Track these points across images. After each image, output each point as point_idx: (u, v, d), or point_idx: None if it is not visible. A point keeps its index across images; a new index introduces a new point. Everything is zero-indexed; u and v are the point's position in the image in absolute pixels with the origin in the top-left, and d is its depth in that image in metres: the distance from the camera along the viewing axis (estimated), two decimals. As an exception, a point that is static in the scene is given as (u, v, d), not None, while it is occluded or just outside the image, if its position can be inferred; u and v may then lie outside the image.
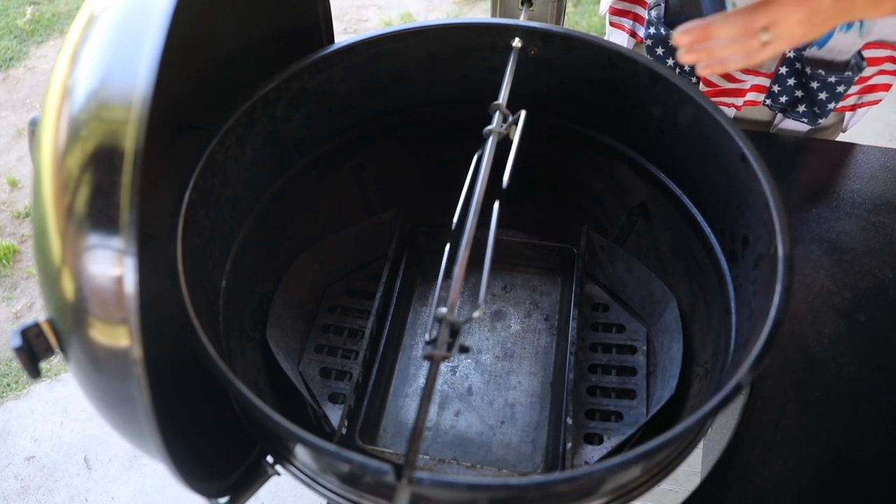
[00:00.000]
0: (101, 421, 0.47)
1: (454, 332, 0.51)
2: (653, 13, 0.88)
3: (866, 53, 0.81)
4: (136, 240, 0.37)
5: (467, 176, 0.60)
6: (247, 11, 0.69)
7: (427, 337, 0.53)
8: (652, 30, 0.89)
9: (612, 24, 0.98)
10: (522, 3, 1.01)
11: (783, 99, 0.88)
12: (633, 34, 0.95)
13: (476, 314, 0.53)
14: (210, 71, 0.67)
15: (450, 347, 0.50)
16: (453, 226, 0.59)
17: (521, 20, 0.76)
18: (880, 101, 0.89)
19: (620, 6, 0.95)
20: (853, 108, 0.90)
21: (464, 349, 0.52)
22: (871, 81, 0.86)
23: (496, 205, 0.59)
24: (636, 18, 0.95)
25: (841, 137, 0.96)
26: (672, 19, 0.88)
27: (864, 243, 0.80)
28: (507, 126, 0.63)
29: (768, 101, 0.89)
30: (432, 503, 0.49)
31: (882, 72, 0.84)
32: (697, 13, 0.85)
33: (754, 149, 0.61)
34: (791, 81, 0.85)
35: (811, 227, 0.82)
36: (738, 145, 0.62)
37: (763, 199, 0.58)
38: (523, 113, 0.65)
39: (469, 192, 0.59)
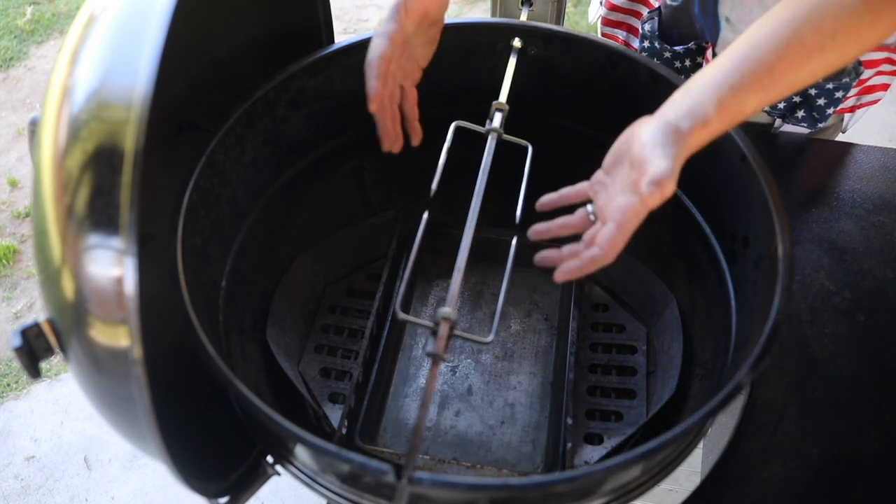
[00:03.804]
0: (101, 421, 0.47)
1: (451, 333, 0.52)
2: (646, 27, 0.88)
3: (863, 57, 0.81)
4: (136, 240, 0.37)
5: (444, 147, 0.62)
6: (247, 11, 0.69)
7: (396, 306, 0.53)
8: (646, 43, 0.89)
9: (604, 34, 0.97)
10: (522, 3, 1.01)
11: (781, 105, 0.88)
12: (626, 45, 0.95)
13: (486, 339, 0.54)
14: (210, 71, 0.67)
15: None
16: (431, 193, 0.60)
17: (521, 20, 0.76)
18: (879, 100, 0.89)
19: (614, 17, 0.95)
20: (852, 109, 0.90)
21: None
22: (870, 82, 0.86)
23: (514, 241, 0.61)
24: (630, 30, 0.95)
25: (841, 137, 0.96)
26: (666, 33, 0.87)
27: (864, 243, 0.80)
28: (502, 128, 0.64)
29: (766, 108, 0.89)
30: (432, 503, 0.49)
31: (880, 72, 0.84)
32: (690, 27, 0.85)
33: (754, 149, 0.61)
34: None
35: (811, 227, 0.82)
36: (738, 145, 0.62)
37: (763, 199, 0.58)
38: (530, 148, 0.66)
39: (444, 168, 0.61)
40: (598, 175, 0.57)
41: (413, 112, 0.69)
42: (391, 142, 0.67)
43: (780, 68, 0.50)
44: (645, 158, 0.51)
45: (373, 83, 0.63)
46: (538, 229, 0.60)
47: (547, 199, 0.61)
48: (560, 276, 0.55)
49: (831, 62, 0.51)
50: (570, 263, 0.55)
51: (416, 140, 0.70)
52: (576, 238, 0.57)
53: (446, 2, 0.64)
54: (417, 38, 0.65)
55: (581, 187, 0.59)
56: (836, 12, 0.49)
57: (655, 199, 0.50)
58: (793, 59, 0.50)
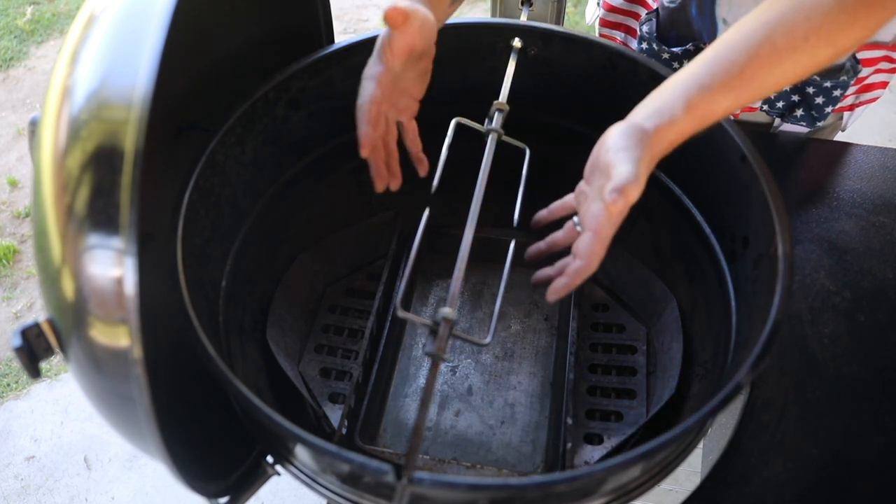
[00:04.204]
0: (101, 421, 0.47)
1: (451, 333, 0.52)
2: (644, 28, 0.88)
3: (861, 55, 0.81)
4: (136, 240, 0.37)
5: (446, 141, 0.62)
6: (247, 11, 0.69)
7: (397, 303, 0.53)
8: (644, 45, 0.89)
9: (601, 35, 0.97)
10: (522, 3, 1.01)
11: (780, 104, 0.88)
12: (624, 46, 0.95)
13: (484, 341, 0.55)
14: (210, 71, 0.67)
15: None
16: (433, 189, 0.60)
17: (521, 20, 0.76)
18: (878, 98, 0.89)
19: (612, 18, 0.95)
20: (851, 107, 0.90)
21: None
22: (868, 81, 0.86)
23: (512, 244, 0.62)
24: (628, 31, 0.95)
25: (841, 137, 0.96)
26: (664, 34, 0.87)
27: (864, 243, 0.80)
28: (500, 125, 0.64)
29: (765, 107, 0.89)
30: (432, 503, 0.49)
31: (878, 70, 0.84)
32: (688, 28, 0.85)
33: (754, 149, 0.61)
34: (787, 87, 0.85)
35: (811, 227, 0.82)
36: (738, 145, 0.62)
37: (763, 199, 0.58)
38: (528, 151, 0.67)
39: (446, 164, 0.61)
40: (581, 185, 0.57)
41: (416, 145, 0.69)
42: (383, 182, 0.67)
43: (750, 69, 0.50)
44: (609, 163, 0.51)
45: (364, 128, 0.62)
46: (532, 252, 0.60)
47: (539, 217, 0.61)
48: (551, 295, 0.56)
49: (804, 64, 0.51)
50: (559, 281, 0.55)
51: (422, 171, 0.70)
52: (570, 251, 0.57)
53: (433, 34, 0.62)
54: (407, 73, 0.63)
55: (567, 199, 0.60)
56: (810, 14, 0.49)
57: (619, 206, 0.49)
58: (764, 60, 0.50)
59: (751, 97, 0.52)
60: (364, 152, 0.63)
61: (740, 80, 0.51)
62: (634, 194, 0.49)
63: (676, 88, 0.52)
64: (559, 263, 0.57)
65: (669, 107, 0.51)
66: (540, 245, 0.60)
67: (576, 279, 0.54)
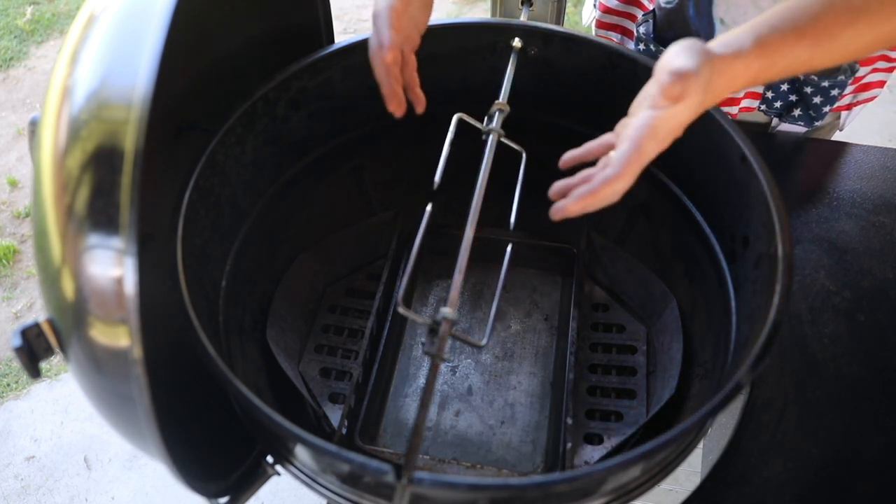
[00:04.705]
0: (101, 421, 0.47)
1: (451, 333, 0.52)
2: (641, 29, 0.88)
3: None
4: (136, 240, 0.37)
5: (447, 138, 0.61)
6: (247, 11, 0.69)
7: (398, 299, 0.53)
8: (641, 46, 0.89)
9: (598, 36, 0.97)
10: (522, 3, 1.01)
11: (778, 104, 0.88)
12: None
13: (481, 342, 0.55)
14: (210, 71, 0.67)
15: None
16: (434, 185, 0.59)
17: (521, 20, 0.76)
18: (875, 97, 0.89)
19: (608, 20, 0.94)
20: (849, 107, 0.90)
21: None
22: (866, 80, 0.86)
23: (509, 248, 0.62)
24: (624, 32, 0.95)
25: (839, 136, 0.96)
26: (661, 35, 0.87)
27: (864, 243, 0.80)
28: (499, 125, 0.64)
29: (763, 107, 0.89)
30: (432, 503, 0.49)
31: (875, 70, 0.85)
32: (685, 29, 0.85)
33: (754, 149, 0.61)
34: (785, 86, 0.85)
35: (811, 227, 0.82)
36: (738, 145, 0.62)
37: (763, 199, 0.58)
38: (525, 154, 0.66)
39: (448, 163, 0.60)
40: (623, 120, 0.54)
41: (414, 79, 0.67)
42: (398, 103, 0.64)
43: (824, 21, 0.49)
44: (666, 61, 0.48)
45: (387, 32, 0.60)
46: (558, 187, 0.53)
47: (570, 156, 0.55)
48: (572, 205, 0.49)
49: (878, 30, 0.50)
50: (582, 188, 0.49)
51: (419, 107, 0.68)
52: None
53: None
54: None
55: (606, 137, 0.54)
56: None
57: (675, 90, 0.45)
58: (840, 13, 0.49)
59: (823, 54, 0.50)
60: (389, 57, 0.61)
61: (813, 29, 0.49)
62: (693, 87, 0.45)
63: (745, 29, 0.50)
64: (583, 172, 0.50)
65: (737, 39, 0.49)
66: (575, 151, 0.54)
67: (603, 188, 0.48)
